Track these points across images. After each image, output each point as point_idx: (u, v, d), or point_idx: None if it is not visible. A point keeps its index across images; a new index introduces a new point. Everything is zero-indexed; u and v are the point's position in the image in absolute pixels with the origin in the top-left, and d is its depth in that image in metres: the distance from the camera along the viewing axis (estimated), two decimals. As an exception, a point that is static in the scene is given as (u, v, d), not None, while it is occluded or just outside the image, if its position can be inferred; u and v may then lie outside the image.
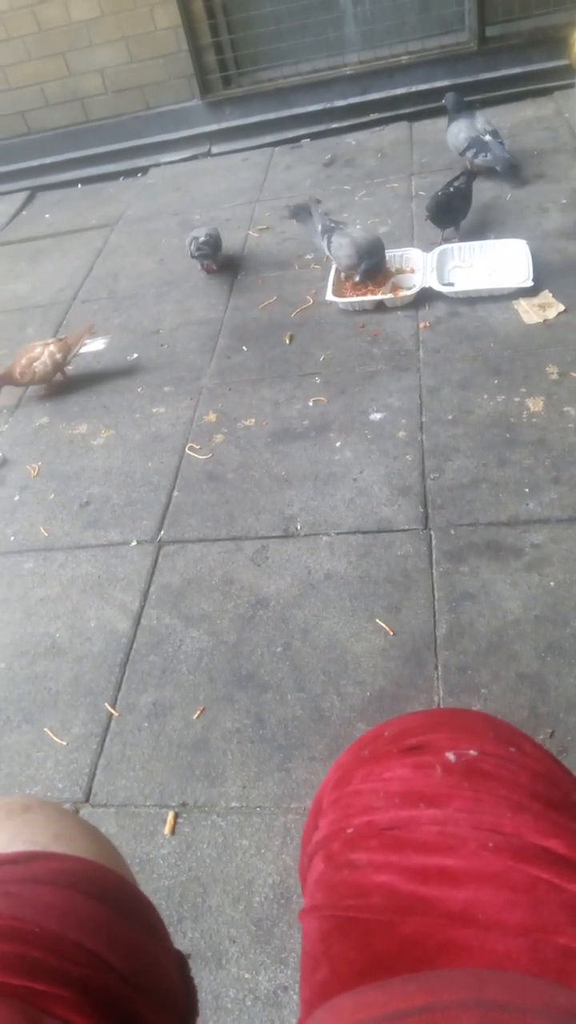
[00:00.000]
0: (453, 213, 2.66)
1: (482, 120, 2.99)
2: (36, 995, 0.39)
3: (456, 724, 0.63)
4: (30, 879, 0.46)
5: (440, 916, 0.48)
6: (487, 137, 2.96)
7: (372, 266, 2.51)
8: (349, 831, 0.56)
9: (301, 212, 2.73)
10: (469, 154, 2.98)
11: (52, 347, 2.48)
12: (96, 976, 0.42)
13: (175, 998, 0.48)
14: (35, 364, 2.46)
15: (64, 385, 2.60)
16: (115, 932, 0.45)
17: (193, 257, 2.90)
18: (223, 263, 3.01)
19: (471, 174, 2.69)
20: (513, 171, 2.97)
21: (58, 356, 2.48)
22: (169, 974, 0.48)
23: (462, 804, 0.53)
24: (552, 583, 1.64)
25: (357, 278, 2.52)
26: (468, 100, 3.10)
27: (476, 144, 2.96)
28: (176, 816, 1.42)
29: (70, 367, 2.60)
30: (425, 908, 0.48)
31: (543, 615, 1.58)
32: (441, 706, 1.48)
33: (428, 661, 1.56)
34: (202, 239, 2.83)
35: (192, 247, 2.86)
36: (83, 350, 2.61)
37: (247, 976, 1.21)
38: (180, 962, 0.51)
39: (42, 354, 2.46)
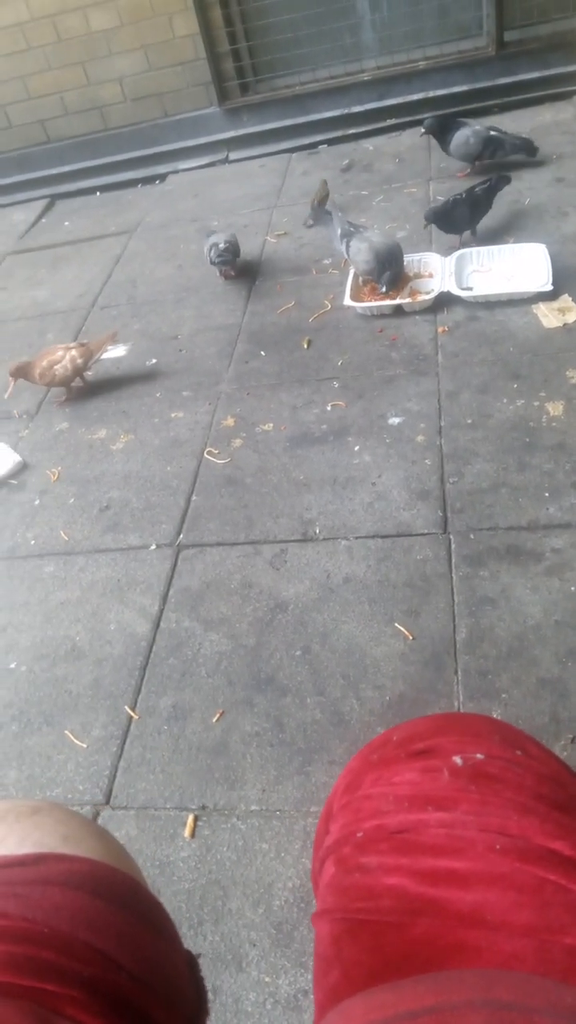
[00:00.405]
0: (455, 221, 2.65)
1: (476, 124, 3.03)
2: (47, 996, 0.39)
3: (462, 728, 0.64)
4: (39, 880, 0.46)
5: (449, 917, 0.48)
6: (493, 132, 3.00)
7: (395, 275, 2.52)
8: (359, 835, 0.56)
9: (321, 214, 2.74)
10: (488, 154, 3.00)
11: (74, 351, 2.49)
12: (106, 976, 0.42)
13: (185, 997, 0.48)
14: (56, 367, 2.48)
15: (84, 391, 2.62)
16: (124, 932, 0.45)
17: (213, 264, 2.92)
18: (240, 269, 3.02)
19: (501, 178, 2.68)
20: (532, 149, 3.06)
21: (79, 361, 2.49)
22: (179, 974, 0.49)
23: (469, 807, 0.54)
24: (573, 588, 1.63)
25: (383, 288, 2.53)
26: (459, 112, 3.18)
27: (491, 143, 2.98)
28: (196, 819, 1.43)
29: (90, 373, 2.62)
30: (434, 910, 0.49)
31: (564, 620, 1.57)
32: (461, 711, 1.47)
33: (448, 665, 1.56)
34: (222, 246, 2.85)
35: (212, 254, 2.87)
36: (104, 356, 2.63)
37: (267, 980, 1.21)
38: (190, 962, 0.51)
39: (63, 358, 2.48)
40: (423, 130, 3.14)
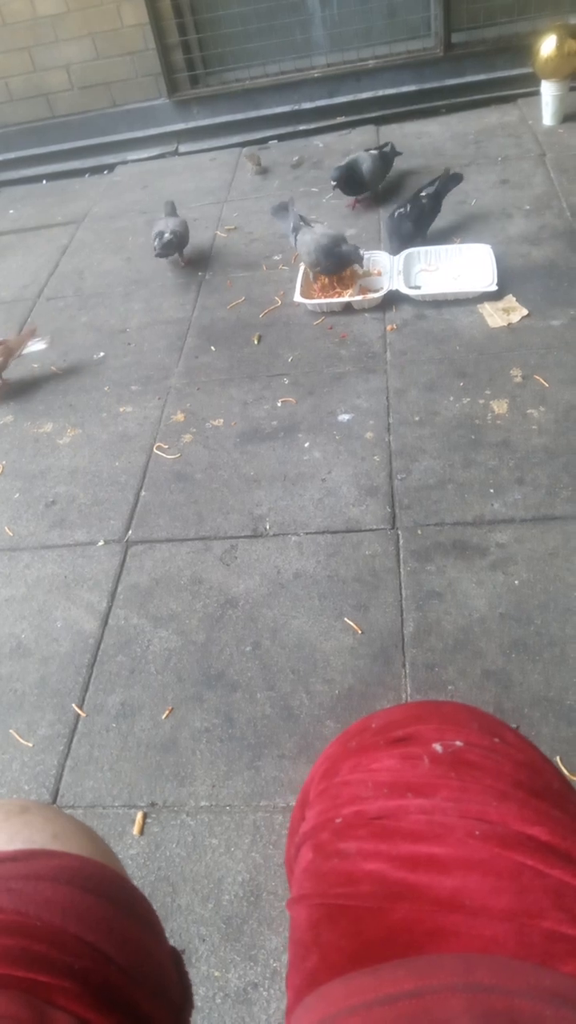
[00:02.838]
0: (403, 236, 2.67)
1: (360, 152, 3.05)
2: (40, 986, 0.40)
3: (441, 716, 0.64)
4: (31, 876, 0.47)
5: (429, 903, 0.49)
6: (374, 151, 3.04)
7: (336, 264, 2.54)
8: (338, 821, 0.56)
9: (280, 210, 2.74)
10: (389, 167, 3.09)
11: None
12: (96, 968, 0.43)
13: (171, 991, 0.49)
14: None
15: (6, 391, 2.56)
16: (114, 926, 0.46)
17: (157, 256, 2.88)
18: (190, 262, 3.00)
19: (452, 178, 2.72)
20: (394, 151, 3.14)
21: (4, 359, 2.46)
22: (165, 968, 0.49)
23: (449, 794, 0.54)
24: (516, 582, 1.67)
25: (318, 268, 2.55)
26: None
27: (386, 159, 3.05)
28: (145, 816, 1.42)
29: (5, 372, 2.56)
30: (414, 895, 0.50)
31: (508, 613, 1.61)
32: (409, 702, 1.50)
33: (396, 659, 1.58)
34: (167, 236, 2.81)
35: (157, 245, 2.83)
36: (26, 351, 2.57)
37: (217, 974, 1.21)
38: (175, 957, 0.52)
39: None
40: (333, 183, 3.04)
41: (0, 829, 0.51)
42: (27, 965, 0.41)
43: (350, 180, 2.98)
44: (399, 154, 3.17)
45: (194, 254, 3.05)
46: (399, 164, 3.20)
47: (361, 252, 2.53)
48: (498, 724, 0.64)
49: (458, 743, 0.59)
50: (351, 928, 0.50)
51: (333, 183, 2.98)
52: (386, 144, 3.14)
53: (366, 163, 2.97)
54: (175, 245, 2.85)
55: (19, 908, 0.44)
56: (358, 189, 3.05)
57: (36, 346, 2.57)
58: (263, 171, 3.59)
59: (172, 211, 2.96)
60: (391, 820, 0.54)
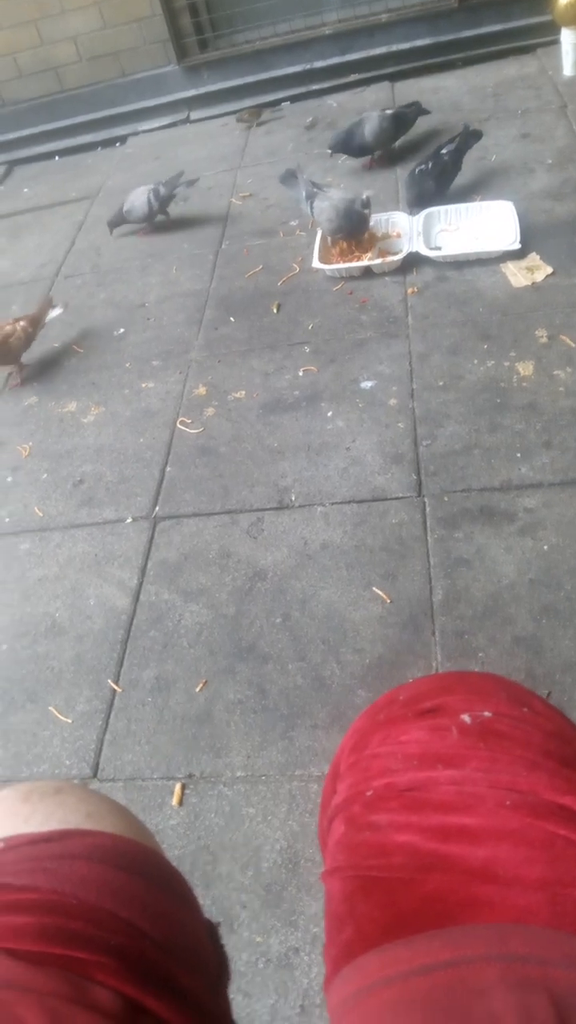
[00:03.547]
0: (423, 195, 2.62)
1: (373, 112, 2.97)
2: (77, 963, 0.41)
3: (469, 686, 0.64)
4: (66, 855, 0.48)
5: (461, 873, 0.49)
6: (388, 111, 2.97)
7: (354, 230, 2.50)
8: (369, 793, 0.57)
9: (288, 178, 2.70)
10: (401, 131, 3.02)
11: (22, 322, 2.48)
12: (132, 943, 0.44)
13: (207, 963, 0.50)
14: (10, 340, 2.44)
15: (27, 375, 2.57)
16: (148, 902, 0.47)
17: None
18: (206, 232, 2.98)
19: (471, 135, 2.66)
20: (421, 110, 3.07)
21: (30, 330, 2.49)
22: (200, 941, 0.50)
23: (479, 764, 0.54)
24: (546, 547, 1.65)
25: (340, 235, 2.52)
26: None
27: (399, 120, 2.97)
28: (183, 787, 1.45)
29: (26, 354, 2.58)
30: (446, 865, 0.50)
31: (537, 579, 1.60)
32: (439, 671, 1.50)
33: (425, 627, 1.58)
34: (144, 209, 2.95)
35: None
36: (47, 320, 2.61)
37: (259, 940, 1.24)
38: (210, 930, 0.53)
39: (14, 330, 2.45)
40: (329, 152, 3.06)
41: (35, 810, 0.52)
42: (65, 942, 0.42)
43: (349, 144, 2.95)
44: (426, 113, 3.09)
45: (209, 223, 3.02)
46: (421, 121, 3.12)
47: (367, 212, 2.49)
48: (526, 693, 0.64)
49: (486, 713, 0.59)
50: (384, 900, 0.51)
51: (329, 151, 2.95)
52: (412, 103, 3.06)
53: (370, 123, 2.91)
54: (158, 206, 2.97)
55: (55, 887, 0.45)
56: (361, 152, 3.00)
57: (54, 312, 2.62)
58: (251, 123, 3.61)
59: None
60: (421, 792, 0.55)
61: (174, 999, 0.43)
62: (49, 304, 2.59)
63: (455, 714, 0.59)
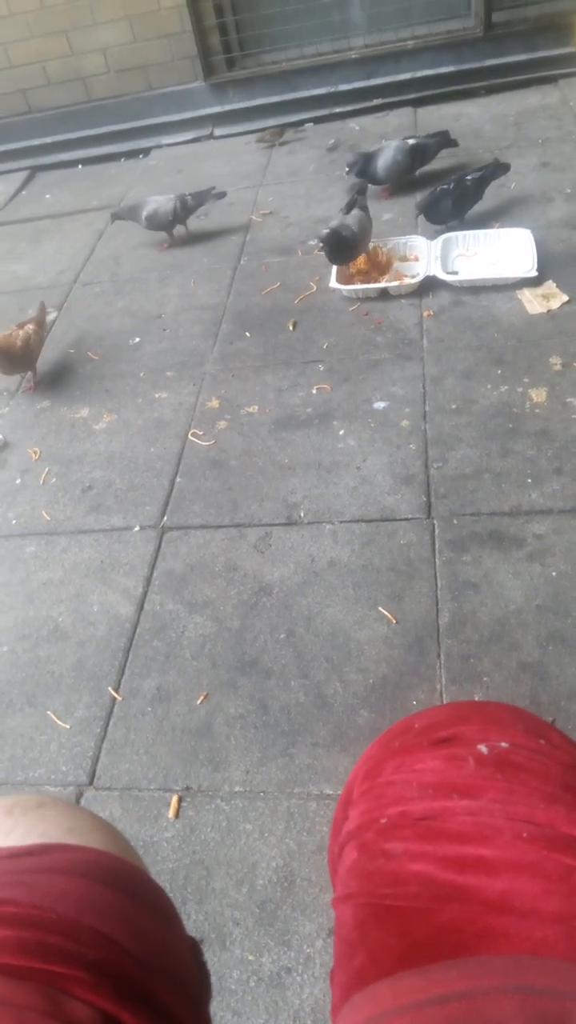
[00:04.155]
0: (439, 213, 2.65)
1: (394, 141, 3.00)
2: (55, 977, 0.41)
3: (485, 716, 0.64)
4: (46, 869, 0.47)
5: (477, 904, 0.49)
6: (411, 141, 2.97)
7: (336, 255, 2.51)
8: (383, 821, 0.57)
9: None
10: (417, 163, 3.00)
11: (30, 325, 2.48)
12: (111, 959, 0.43)
13: (189, 980, 0.49)
14: (31, 342, 2.44)
15: (53, 374, 2.58)
16: (129, 917, 0.46)
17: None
18: (226, 247, 3.00)
19: (499, 167, 2.68)
20: (450, 141, 3.03)
21: (40, 332, 2.50)
22: (182, 958, 0.50)
23: (495, 795, 0.54)
24: (554, 573, 1.65)
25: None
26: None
27: (417, 151, 2.97)
28: (180, 800, 1.44)
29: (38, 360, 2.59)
30: (462, 896, 0.49)
31: (545, 605, 1.60)
32: (444, 694, 1.49)
33: (431, 649, 1.57)
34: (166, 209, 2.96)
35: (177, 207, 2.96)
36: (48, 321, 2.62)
37: (251, 958, 1.23)
38: (193, 947, 0.53)
39: (28, 334, 2.45)
40: (347, 170, 3.06)
41: (17, 824, 0.51)
42: (43, 957, 0.41)
43: (365, 170, 2.96)
44: (453, 144, 3.07)
45: (229, 238, 3.04)
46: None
47: (350, 238, 2.48)
48: (544, 725, 0.64)
49: (503, 744, 0.59)
50: (399, 928, 0.50)
51: (347, 170, 2.99)
52: (438, 133, 3.04)
53: (384, 156, 2.93)
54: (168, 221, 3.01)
55: (34, 901, 0.44)
56: (374, 180, 3.00)
57: (52, 315, 2.65)
58: (272, 144, 3.65)
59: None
60: (437, 821, 0.54)
61: (153, 1015, 0.43)
62: (44, 309, 2.59)
63: (471, 744, 0.59)
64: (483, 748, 0.58)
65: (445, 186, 2.64)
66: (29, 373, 2.55)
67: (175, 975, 0.47)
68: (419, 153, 2.98)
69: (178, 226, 3.08)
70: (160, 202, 2.99)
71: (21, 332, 2.45)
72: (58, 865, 0.48)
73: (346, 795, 0.66)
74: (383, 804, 0.58)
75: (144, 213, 2.99)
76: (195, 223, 3.16)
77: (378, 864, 0.54)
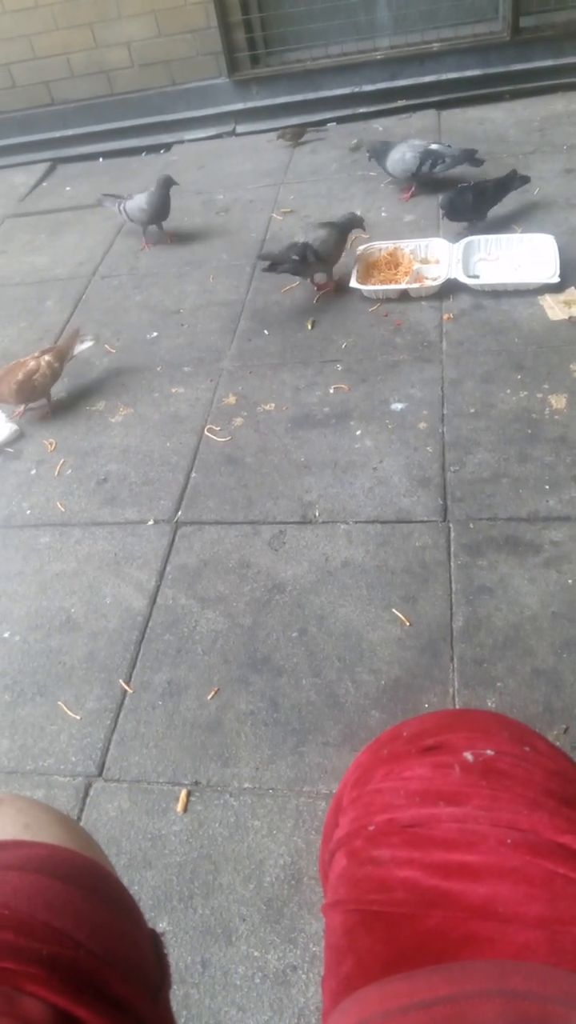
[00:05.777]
0: (459, 208, 2.65)
1: (415, 141, 2.99)
2: (8, 974, 0.41)
3: (471, 724, 0.65)
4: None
5: (462, 910, 0.50)
6: (434, 146, 2.95)
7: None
8: (371, 828, 0.58)
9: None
10: (426, 168, 2.95)
11: (47, 356, 2.33)
12: (65, 954, 0.43)
13: (147, 972, 0.49)
14: (34, 378, 2.29)
15: (70, 366, 2.51)
16: (83, 911, 0.46)
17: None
18: (245, 245, 2.99)
19: (520, 178, 2.67)
20: (476, 160, 2.96)
21: (56, 364, 2.34)
22: (140, 949, 0.50)
23: (480, 802, 0.55)
24: (570, 580, 1.64)
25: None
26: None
27: (428, 156, 2.93)
28: (189, 794, 1.44)
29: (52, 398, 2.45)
30: (447, 902, 0.51)
31: (560, 612, 1.59)
32: (456, 698, 1.49)
33: (444, 653, 1.57)
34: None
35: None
36: (76, 352, 2.46)
37: (256, 954, 1.23)
38: (153, 939, 0.53)
39: (39, 366, 2.30)
40: (368, 156, 3.12)
41: None
42: None
43: (381, 159, 3.03)
44: (477, 164, 2.94)
45: (249, 235, 3.04)
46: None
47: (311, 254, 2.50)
48: (529, 733, 0.65)
49: (489, 752, 0.60)
50: (385, 934, 0.51)
51: (367, 154, 3.04)
52: (467, 150, 2.94)
53: (399, 148, 2.98)
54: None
55: None
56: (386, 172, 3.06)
57: (84, 345, 2.49)
58: (293, 143, 3.66)
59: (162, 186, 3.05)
60: (424, 828, 0.55)
61: (108, 1008, 0.42)
62: (76, 337, 2.44)
63: (458, 752, 0.60)
64: (469, 756, 0.59)
65: (465, 184, 2.64)
66: (43, 400, 2.42)
67: (132, 966, 0.47)
68: (430, 157, 2.95)
69: (151, 226, 3.13)
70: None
71: (31, 363, 2.31)
72: (11, 861, 0.48)
73: (336, 802, 0.67)
74: (371, 812, 0.59)
75: (126, 207, 3.11)
76: (216, 220, 3.16)
77: (366, 871, 0.55)
